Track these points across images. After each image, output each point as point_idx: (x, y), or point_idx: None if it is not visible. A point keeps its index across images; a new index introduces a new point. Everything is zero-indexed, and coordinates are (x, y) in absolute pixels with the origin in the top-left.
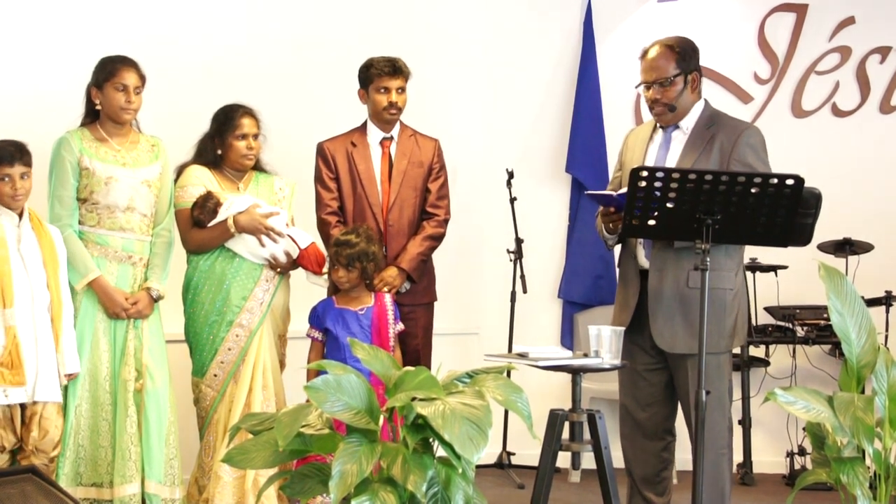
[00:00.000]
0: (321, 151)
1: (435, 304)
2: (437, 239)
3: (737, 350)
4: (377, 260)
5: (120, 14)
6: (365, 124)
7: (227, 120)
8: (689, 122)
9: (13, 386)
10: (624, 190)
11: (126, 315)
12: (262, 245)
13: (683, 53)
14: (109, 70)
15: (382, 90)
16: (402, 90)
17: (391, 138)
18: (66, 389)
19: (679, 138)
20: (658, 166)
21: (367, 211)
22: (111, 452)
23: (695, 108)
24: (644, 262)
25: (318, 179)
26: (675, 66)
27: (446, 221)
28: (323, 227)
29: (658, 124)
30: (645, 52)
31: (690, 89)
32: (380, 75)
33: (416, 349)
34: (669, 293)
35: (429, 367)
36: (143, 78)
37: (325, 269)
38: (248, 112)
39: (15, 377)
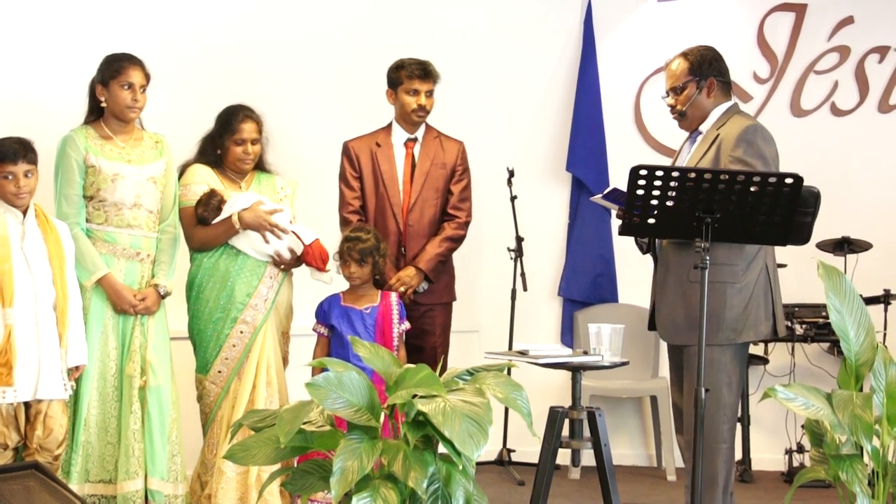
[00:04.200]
0: (346, 151)
1: (454, 303)
2: (457, 241)
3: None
4: (386, 256)
5: (126, 13)
6: (390, 125)
7: (227, 123)
8: (707, 125)
9: (4, 386)
10: (612, 188)
11: (135, 311)
12: (267, 242)
13: (696, 61)
14: (116, 68)
15: (412, 92)
16: (430, 93)
17: (415, 139)
18: (77, 385)
19: (699, 140)
20: (657, 165)
21: (388, 210)
22: (118, 449)
23: (714, 111)
24: None
25: (342, 178)
26: (687, 73)
27: (467, 224)
28: (345, 225)
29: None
30: (668, 64)
31: (706, 95)
32: (410, 77)
33: (433, 346)
34: (672, 286)
35: (445, 365)
36: (148, 76)
37: (328, 266)
38: (249, 116)
39: (4, 378)
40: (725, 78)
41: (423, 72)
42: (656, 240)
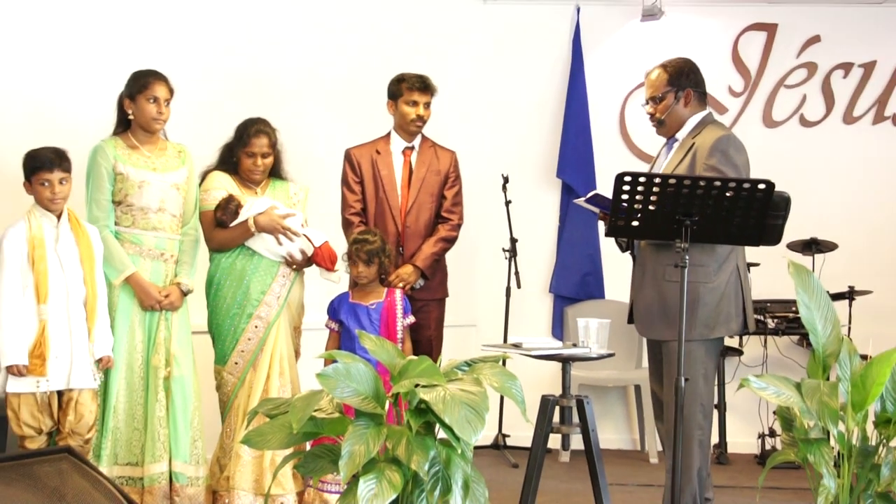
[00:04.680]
0: (348, 157)
1: (447, 299)
2: (450, 241)
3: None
4: (391, 256)
5: (151, 33)
6: (389, 134)
7: (241, 136)
8: (683, 133)
9: (38, 376)
10: (593, 192)
11: (160, 307)
12: (280, 243)
13: (674, 73)
14: (142, 83)
15: (411, 103)
16: (427, 105)
17: (412, 148)
18: (106, 376)
19: (676, 147)
20: (640, 172)
21: (388, 213)
22: (144, 434)
23: (690, 120)
24: None
25: (345, 182)
26: (666, 84)
27: (459, 226)
28: (347, 226)
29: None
30: (648, 74)
31: (683, 104)
32: (410, 89)
33: (428, 339)
34: (649, 285)
35: (440, 355)
36: (171, 91)
37: (336, 267)
38: (262, 130)
39: (39, 368)
40: (701, 89)
41: (423, 84)
42: (635, 240)
